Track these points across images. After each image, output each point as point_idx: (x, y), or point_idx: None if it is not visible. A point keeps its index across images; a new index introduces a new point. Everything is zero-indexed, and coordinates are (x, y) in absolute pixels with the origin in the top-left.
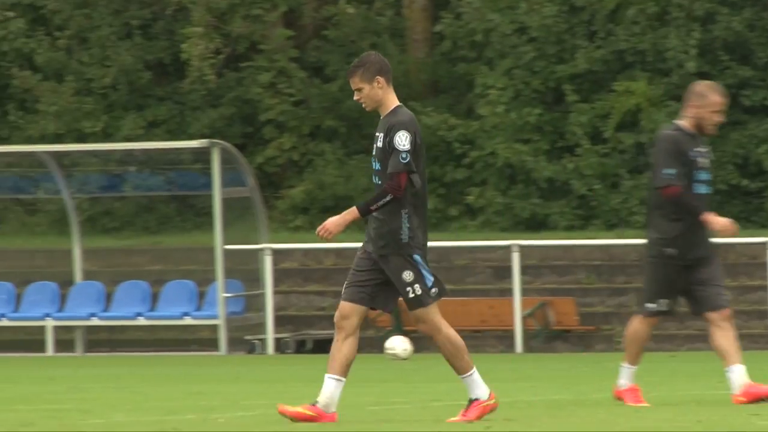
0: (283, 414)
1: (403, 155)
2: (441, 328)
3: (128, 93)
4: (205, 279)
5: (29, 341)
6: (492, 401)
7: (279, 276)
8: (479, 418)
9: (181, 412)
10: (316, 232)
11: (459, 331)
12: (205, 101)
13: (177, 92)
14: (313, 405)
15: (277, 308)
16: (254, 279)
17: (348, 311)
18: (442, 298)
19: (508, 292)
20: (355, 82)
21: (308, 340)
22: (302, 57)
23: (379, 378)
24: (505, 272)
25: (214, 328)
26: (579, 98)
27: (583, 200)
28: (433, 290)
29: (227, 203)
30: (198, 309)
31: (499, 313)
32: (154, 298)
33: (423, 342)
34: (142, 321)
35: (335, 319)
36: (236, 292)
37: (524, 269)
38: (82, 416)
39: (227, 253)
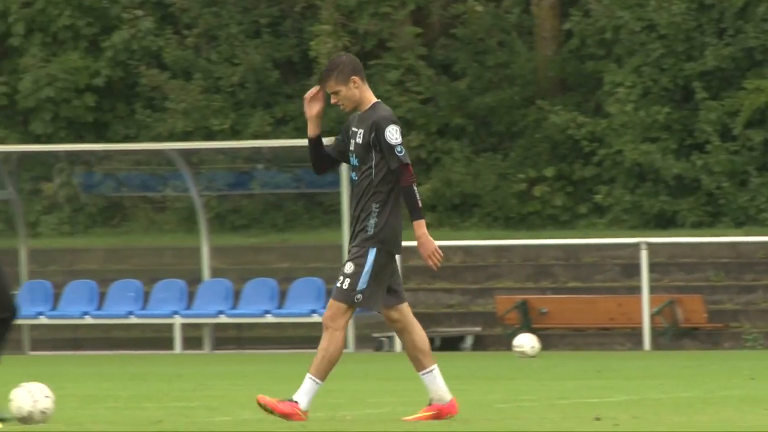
0: (406, 420)
1: (398, 149)
2: (338, 329)
3: (256, 91)
4: (332, 276)
5: (157, 339)
6: (304, 417)
7: (407, 273)
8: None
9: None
10: (433, 265)
11: (587, 329)
12: None
13: (305, 90)
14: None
15: None
16: None
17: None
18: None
19: (636, 290)
20: (330, 86)
21: (436, 338)
22: (430, 55)
23: (507, 376)
24: (633, 270)
25: None
26: (708, 96)
27: (711, 198)
28: (358, 296)
29: None
30: (325, 306)
31: (628, 311)
32: (282, 295)
33: (551, 340)
34: (269, 318)
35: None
36: None
37: (652, 267)
38: (209, 413)
39: None
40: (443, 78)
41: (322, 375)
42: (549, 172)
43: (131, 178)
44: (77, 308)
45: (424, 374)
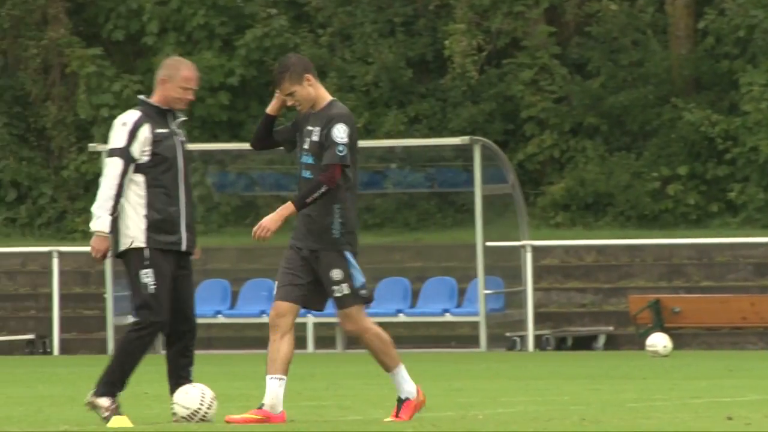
0: (230, 422)
1: (341, 148)
2: (368, 327)
3: (390, 90)
4: (465, 276)
5: (244, 338)
6: (421, 398)
7: (539, 273)
8: (411, 417)
9: (439, 409)
10: (253, 233)
11: (719, 328)
12: (466, 97)
13: (438, 89)
14: (260, 408)
15: (537, 305)
16: (514, 276)
17: (284, 310)
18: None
19: None
20: (285, 88)
21: (568, 337)
22: (564, 54)
23: (639, 375)
24: (766, 269)
25: (475, 325)
26: None
27: None
28: (363, 291)
29: (488, 200)
30: (458, 306)
31: (761, 310)
32: (414, 294)
33: (683, 339)
34: (402, 318)
35: (270, 319)
36: (496, 289)
37: None
38: (341, 413)
39: (488, 250)
40: (577, 77)
41: (396, 360)
42: (682, 170)
43: (264, 177)
44: (210, 307)
45: (272, 378)
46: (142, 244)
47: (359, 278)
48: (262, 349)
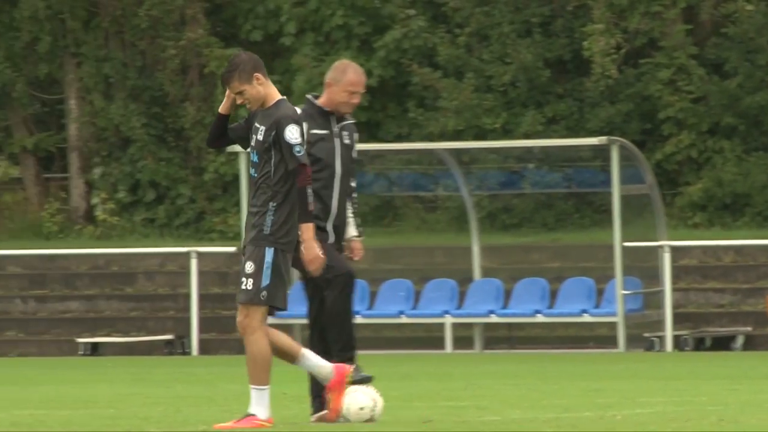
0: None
1: (297, 149)
2: (256, 331)
3: (528, 90)
4: (603, 276)
5: (428, 338)
6: (268, 424)
7: (677, 273)
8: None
9: (577, 410)
10: (314, 273)
11: None
12: (604, 98)
13: (576, 89)
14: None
15: (676, 305)
16: (652, 276)
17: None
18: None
19: None
20: (234, 87)
21: (707, 338)
22: (701, 54)
23: None
24: None
25: (613, 325)
26: None
27: None
28: (263, 293)
29: (626, 200)
30: (596, 306)
31: None
32: (553, 295)
33: None
34: (540, 318)
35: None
36: (635, 289)
37: None
38: (478, 413)
39: (626, 250)
40: (714, 77)
41: (264, 380)
42: None
43: (403, 178)
44: None
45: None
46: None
47: (266, 280)
48: (400, 349)
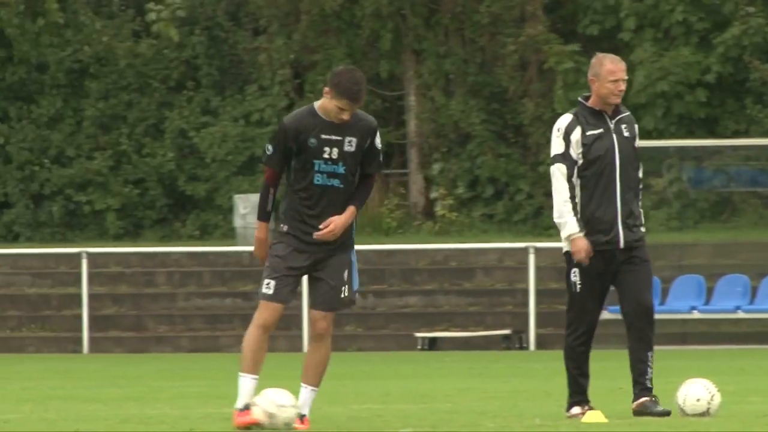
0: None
1: (381, 156)
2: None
3: None
4: None
5: (766, 334)
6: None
7: None
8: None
9: None
10: (321, 234)
11: None
12: None
13: None
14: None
15: None
16: None
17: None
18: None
19: None
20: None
21: None
22: None
23: None
24: None
25: None
26: None
27: None
28: (354, 297)
29: None
30: None
31: None
32: None
33: None
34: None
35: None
36: None
37: None
38: None
39: None
40: None
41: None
42: None
43: (741, 174)
44: (685, 303)
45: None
46: (568, 247)
47: (355, 284)
48: (737, 344)
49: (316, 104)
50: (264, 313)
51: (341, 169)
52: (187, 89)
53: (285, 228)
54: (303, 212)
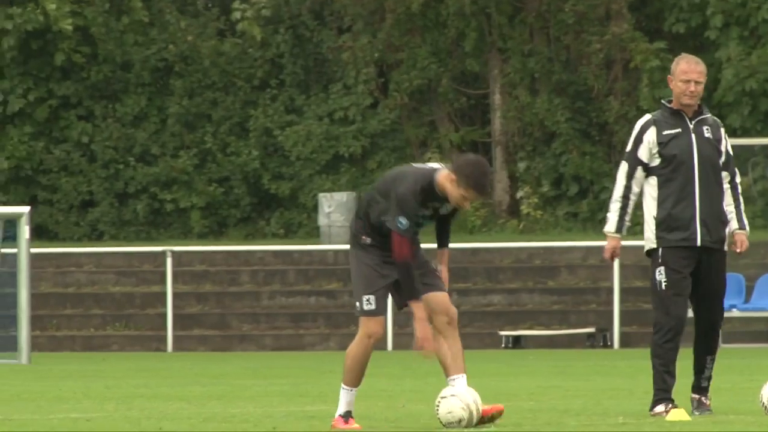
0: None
1: None
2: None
3: None
4: None
5: None
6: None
7: None
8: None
9: None
10: (422, 353)
11: None
12: None
13: None
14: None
15: None
16: None
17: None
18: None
19: None
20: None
21: None
22: None
23: None
24: None
25: None
26: None
27: None
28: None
29: None
30: None
31: None
32: None
33: None
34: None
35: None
36: None
37: None
38: None
39: None
40: None
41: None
42: None
43: None
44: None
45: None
46: (653, 245)
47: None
48: None
49: (436, 181)
50: (372, 327)
51: (429, 221)
52: (271, 87)
53: (368, 240)
54: (384, 241)
